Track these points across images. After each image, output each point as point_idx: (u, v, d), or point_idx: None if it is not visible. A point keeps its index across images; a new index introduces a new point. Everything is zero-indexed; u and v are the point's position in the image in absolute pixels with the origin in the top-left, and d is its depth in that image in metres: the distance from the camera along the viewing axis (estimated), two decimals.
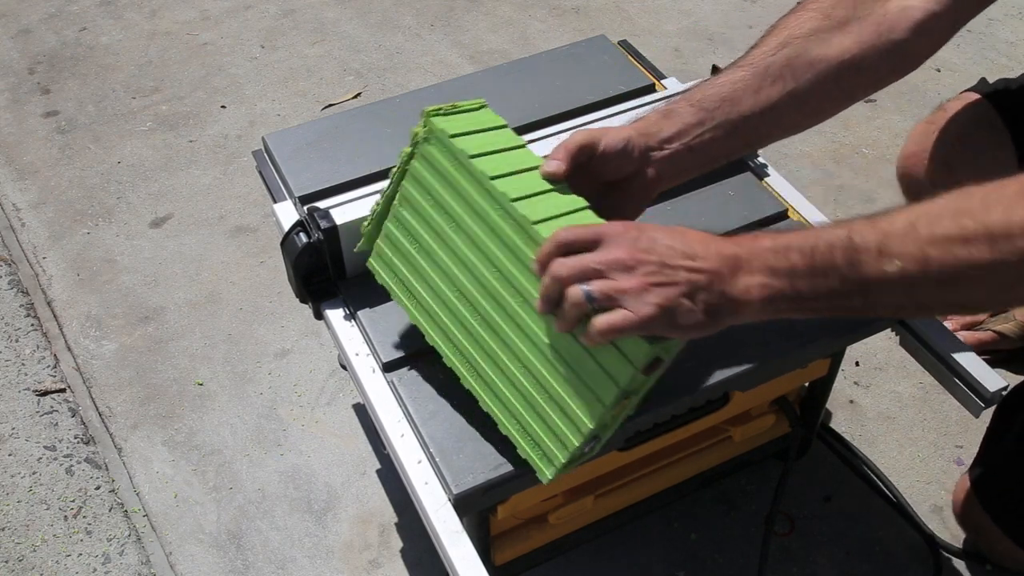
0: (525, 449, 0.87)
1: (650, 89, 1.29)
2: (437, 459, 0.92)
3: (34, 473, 1.45)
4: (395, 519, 1.40)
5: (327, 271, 1.09)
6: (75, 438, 1.50)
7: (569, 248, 0.77)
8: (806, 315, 0.76)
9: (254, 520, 1.40)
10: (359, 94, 2.18)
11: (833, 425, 1.48)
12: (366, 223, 0.98)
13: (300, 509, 1.41)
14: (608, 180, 0.91)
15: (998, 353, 1.54)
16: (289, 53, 2.31)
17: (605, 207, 0.89)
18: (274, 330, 1.67)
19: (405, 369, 1.01)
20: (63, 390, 1.57)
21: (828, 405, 1.48)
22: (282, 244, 1.09)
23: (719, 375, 0.99)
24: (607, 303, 0.74)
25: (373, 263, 0.98)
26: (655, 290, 0.73)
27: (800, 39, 0.91)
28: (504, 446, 0.92)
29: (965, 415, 1.48)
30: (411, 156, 0.90)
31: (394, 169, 0.93)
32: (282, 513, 1.41)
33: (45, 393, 1.56)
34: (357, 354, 1.03)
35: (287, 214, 1.14)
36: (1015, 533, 1.19)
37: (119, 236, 1.85)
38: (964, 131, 1.25)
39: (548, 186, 0.86)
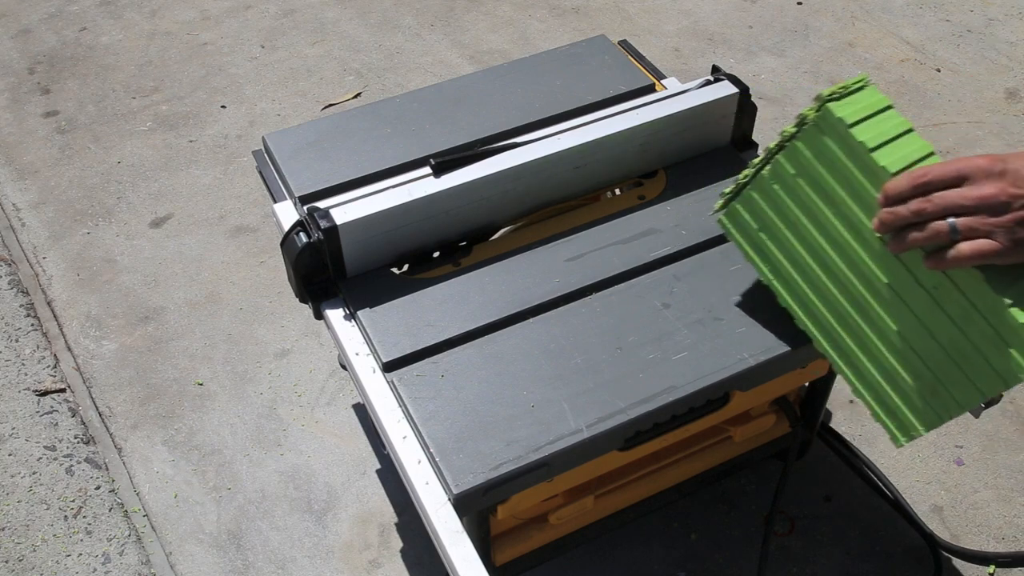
0: (879, 414, 0.94)
1: (650, 89, 1.29)
2: (437, 459, 0.92)
3: (34, 473, 1.45)
4: (395, 519, 1.40)
5: (327, 271, 1.09)
6: (75, 438, 1.50)
7: (928, 186, 0.78)
8: None
9: (254, 520, 1.40)
10: (359, 94, 2.18)
11: (833, 425, 1.48)
12: (727, 190, 1.01)
13: (300, 509, 1.41)
14: None
15: None
16: (289, 53, 2.31)
17: None
18: (274, 330, 1.67)
19: (405, 369, 1.01)
20: (63, 390, 1.57)
21: (828, 405, 1.48)
22: (282, 244, 1.09)
23: (719, 375, 0.99)
24: (972, 236, 0.77)
25: (725, 220, 1.02)
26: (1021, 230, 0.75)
27: None
28: (504, 446, 0.92)
29: (965, 415, 1.48)
30: (793, 136, 0.91)
31: (771, 144, 0.94)
32: (282, 513, 1.41)
33: (45, 393, 1.56)
34: (357, 354, 1.03)
35: (287, 214, 1.14)
36: None
37: (119, 236, 1.85)
38: None
39: None
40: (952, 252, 0.78)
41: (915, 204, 0.79)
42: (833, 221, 0.92)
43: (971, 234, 0.77)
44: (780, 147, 0.94)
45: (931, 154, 0.86)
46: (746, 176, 0.99)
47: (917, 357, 0.90)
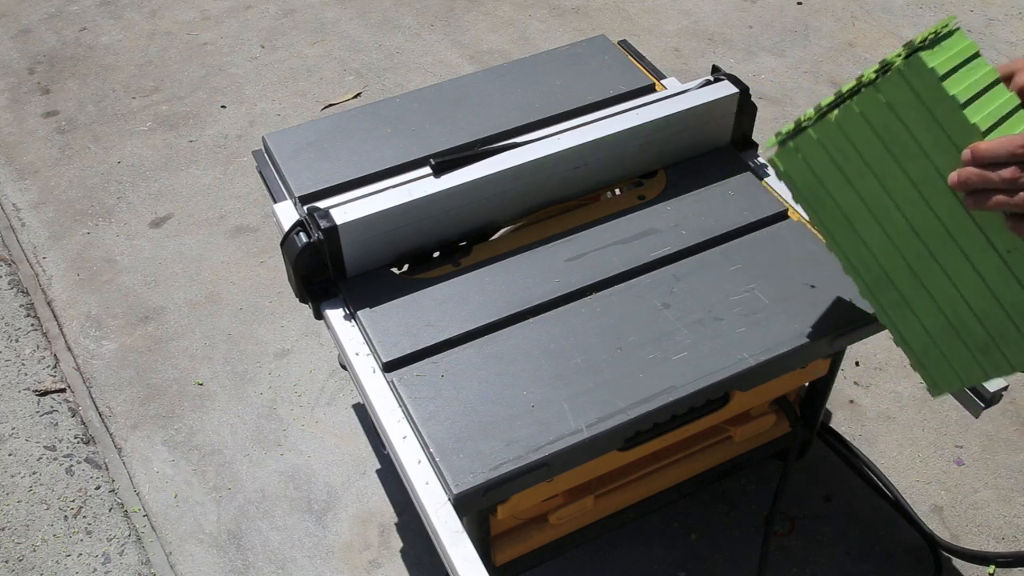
0: (920, 363, 0.94)
1: (650, 89, 1.29)
2: (437, 459, 0.92)
3: (34, 473, 1.45)
4: (395, 519, 1.40)
5: (327, 271, 1.09)
6: (75, 438, 1.50)
7: (1016, 150, 0.76)
8: None
9: (254, 520, 1.40)
10: (359, 94, 2.18)
11: (833, 425, 1.48)
12: (783, 128, 0.95)
13: (300, 509, 1.41)
14: None
15: None
16: (289, 53, 2.31)
17: None
18: (274, 330, 1.67)
19: (405, 369, 1.01)
20: (63, 390, 1.57)
21: (828, 405, 1.48)
22: (282, 244, 1.09)
23: (719, 375, 0.99)
24: None
25: (777, 160, 0.95)
26: None
27: None
28: (504, 446, 0.92)
29: (965, 415, 1.48)
30: (872, 81, 0.85)
31: (845, 86, 0.88)
32: (282, 513, 1.41)
33: (45, 393, 1.56)
34: (357, 354, 1.03)
35: (287, 214, 1.14)
36: None
37: (119, 236, 1.85)
38: None
39: None
40: None
41: (1009, 172, 0.77)
42: (904, 171, 0.86)
43: None
44: (855, 91, 0.87)
45: (1020, 106, 0.83)
46: (809, 117, 0.92)
47: (974, 315, 0.88)
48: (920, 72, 0.80)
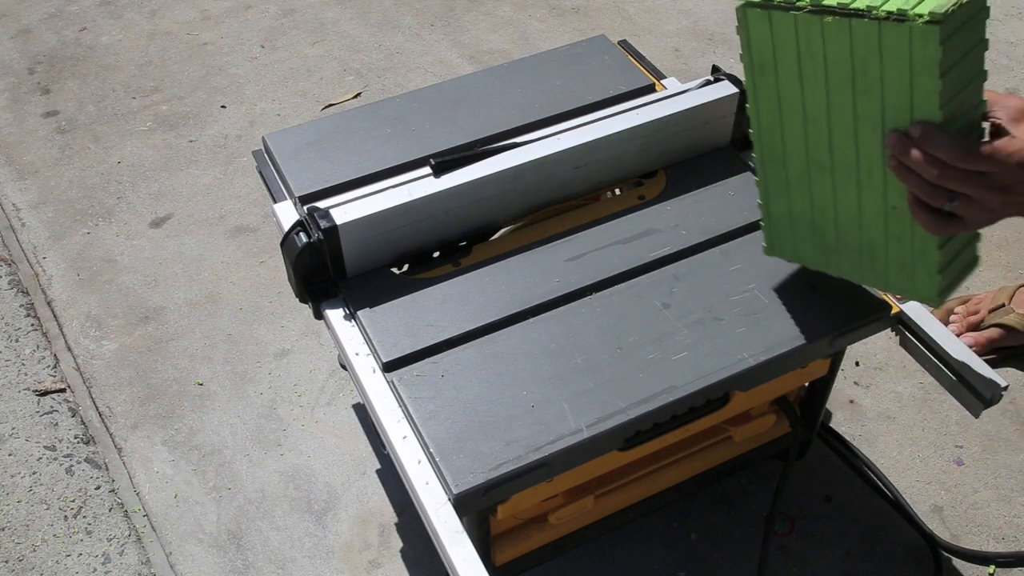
0: (767, 227, 1.05)
1: (650, 89, 1.29)
2: (437, 459, 0.92)
3: (34, 473, 1.45)
4: (395, 519, 1.40)
5: (327, 271, 1.09)
6: (75, 438, 1.50)
7: (968, 170, 0.79)
8: None
9: (254, 520, 1.40)
10: (359, 94, 2.18)
11: (833, 425, 1.48)
12: None
13: (300, 509, 1.41)
14: None
15: (1006, 350, 1.55)
16: (289, 53, 2.31)
17: None
18: (274, 330, 1.67)
19: (405, 369, 1.01)
20: (63, 390, 1.57)
21: (828, 405, 1.48)
22: (282, 244, 1.09)
23: (719, 375, 0.99)
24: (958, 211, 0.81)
25: (746, 12, 0.91)
26: (1005, 212, 0.81)
27: None
28: (504, 446, 0.92)
29: (965, 415, 1.48)
30: (880, 19, 0.80)
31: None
32: (282, 513, 1.41)
33: (45, 393, 1.56)
34: (357, 354, 1.03)
35: (287, 214, 1.14)
36: None
37: (119, 236, 1.85)
38: None
39: None
40: (939, 228, 0.83)
41: (935, 172, 0.79)
42: (854, 100, 0.87)
43: (960, 210, 0.81)
44: (858, 12, 0.82)
45: (985, 115, 0.84)
46: (797, 1, 0.87)
47: (835, 226, 0.98)
48: (928, 43, 0.78)
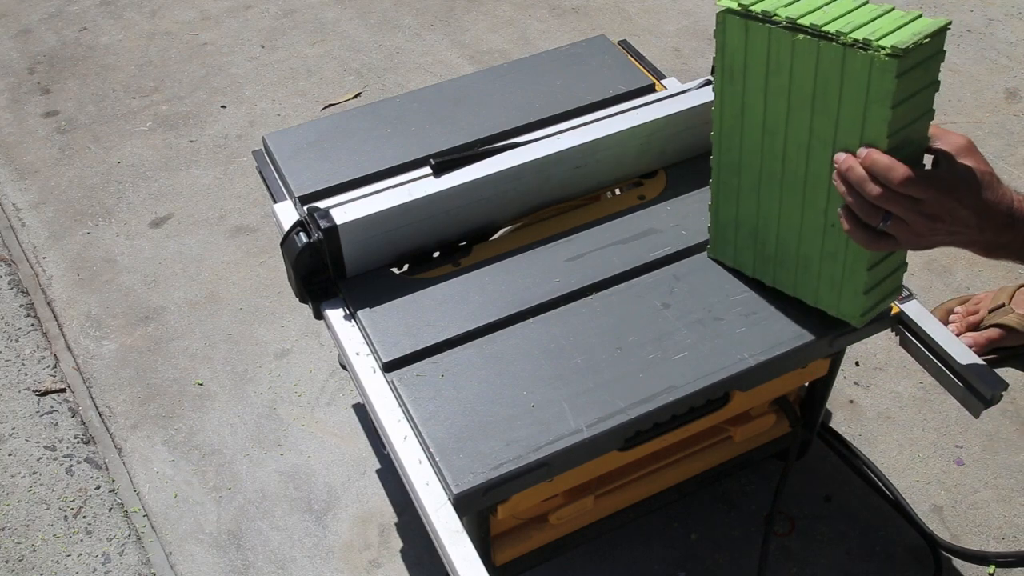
0: (714, 230, 1.09)
1: (650, 89, 1.29)
2: (437, 459, 0.92)
3: (34, 473, 1.45)
4: (395, 519, 1.40)
5: (327, 271, 1.09)
6: (75, 438, 1.50)
7: (910, 198, 0.85)
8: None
9: (254, 520, 1.40)
10: (359, 94, 2.18)
11: (833, 425, 1.48)
12: None
13: (300, 509, 1.41)
14: None
15: (1006, 350, 1.55)
16: (289, 53, 2.31)
17: None
18: (274, 330, 1.67)
19: (405, 369, 1.01)
20: (63, 390, 1.57)
21: (828, 405, 1.48)
22: (282, 244, 1.09)
23: (719, 375, 0.99)
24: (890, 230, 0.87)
25: (725, 18, 0.94)
26: (933, 239, 0.88)
27: None
28: (504, 446, 0.92)
29: (965, 415, 1.48)
30: (846, 44, 0.85)
31: (823, 21, 0.87)
32: (282, 513, 1.41)
33: (45, 393, 1.56)
34: (357, 354, 1.03)
35: (287, 214, 1.14)
36: None
37: (119, 236, 1.85)
38: None
39: None
40: (861, 237, 0.89)
41: (875, 191, 0.85)
42: (812, 118, 0.92)
43: (892, 230, 0.87)
44: (827, 36, 0.86)
45: (928, 147, 0.90)
46: (774, 11, 0.90)
47: (776, 237, 1.03)
48: (885, 74, 0.84)
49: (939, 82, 0.89)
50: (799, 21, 0.88)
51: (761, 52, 0.93)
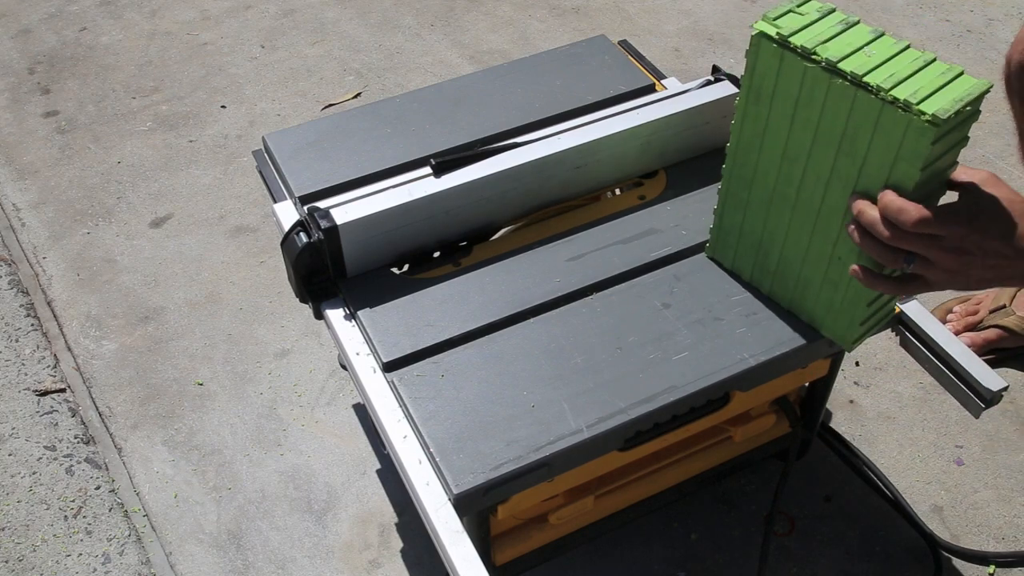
0: (716, 232, 1.08)
1: (650, 89, 1.29)
2: (437, 459, 0.92)
3: (34, 473, 1.45)
4: (395, 519, 1.40)
5: (327, 271, 1.09)
6: (75, 438, 1.50)
7: (925, 236, 0.82)
8: None
9: (254, 520, 1.40)
10: (359, 94, 2.18)
11: (833, 425, 1.48)
12: (783, 26, 0.90)
13: (300, 509, 1.41)
14: None
15: (1005, 351, 1.54)
16: (289, 53, 2.31)
17: None
18: (274, 330, 1.67)
19: (405, 369, 1.01)
20: (63, 390, 1.57)
21: (828, 405, 1.48)
22: (282, 244, 1.09)
23: (719, 375, 0.99)
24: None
25: (761, 44, 0.92)
26: (971, 274, 0.84)
27: None
28: (504, 446, 0.92)
29: (965, 415, 1.48)
30: (884, 100, 0.83)
31: (863, 70, 0.85)
32: (282, 513, 1.41)
33: (45, 393, 1.56)
34: (357, 354, 1.03)
35: (287, 214, 1.14)
36: None
37: (119, 236, 1.85)
38: None
39: None
40: (901, 288, 0.88)
41: (892, 234, 0.83)
42: (836, 157, 0.90)
43: (919, 271, 0.85)
44: (866, 86, 0.84)
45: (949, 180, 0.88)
46: (813, 50, 0.87)
47: (780, 253, 1.02)
48: (921, 139, 0.82)
49: (968, 138, 0.86)
50: (839, 65, 0.85)
51: (794, 83, 0.90)
